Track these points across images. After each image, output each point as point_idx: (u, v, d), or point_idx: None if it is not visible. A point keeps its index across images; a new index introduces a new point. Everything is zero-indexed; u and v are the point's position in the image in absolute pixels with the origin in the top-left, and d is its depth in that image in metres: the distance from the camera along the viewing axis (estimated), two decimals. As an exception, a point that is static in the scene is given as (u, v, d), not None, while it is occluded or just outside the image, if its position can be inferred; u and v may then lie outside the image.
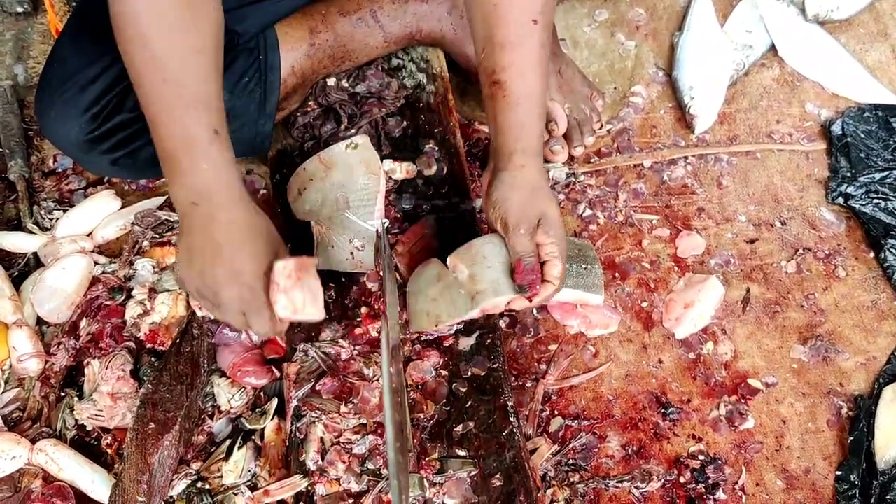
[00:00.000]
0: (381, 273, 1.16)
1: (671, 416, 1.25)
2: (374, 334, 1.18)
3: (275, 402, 1.21)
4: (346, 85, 1.36)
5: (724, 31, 1.58)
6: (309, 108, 1.35)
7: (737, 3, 1.63)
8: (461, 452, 1.11)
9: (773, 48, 1.58)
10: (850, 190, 1.41)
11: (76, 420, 1.22)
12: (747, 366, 1.29)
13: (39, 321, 1.30)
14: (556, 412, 1.26)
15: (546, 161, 1.46)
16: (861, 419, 1.23)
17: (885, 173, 1.42)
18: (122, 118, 1.18)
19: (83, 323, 1.29)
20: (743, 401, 1.26)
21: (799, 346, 1.30)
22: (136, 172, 1.31)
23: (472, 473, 1.09)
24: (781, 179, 1.46)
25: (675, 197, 1.44)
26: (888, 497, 1.17)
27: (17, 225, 1.40)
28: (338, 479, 1.09)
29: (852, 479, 1.19)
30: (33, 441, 1.19)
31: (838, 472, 1.21)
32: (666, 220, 1.42)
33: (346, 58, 1.34)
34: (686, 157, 1.47)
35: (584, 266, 1.23)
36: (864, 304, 1.34)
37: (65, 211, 1.40)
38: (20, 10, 1.62)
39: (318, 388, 1.15)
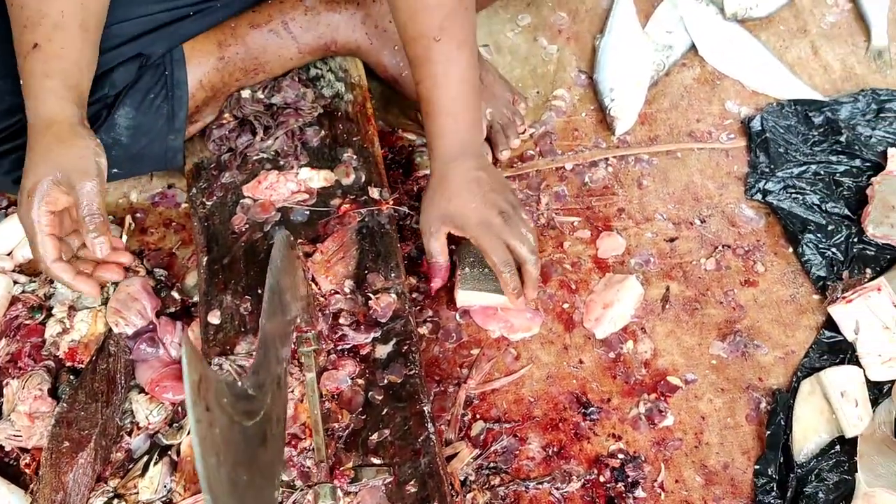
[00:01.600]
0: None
1: (591, 415, 1.26)
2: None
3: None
4: (262, 96, 1.36)
5: (646, 32, 1.60)
6: (224, 121, 1.35)
7: (658, 4, 1.64)
8: (376, 460, 1.11)
9: (693, 48, 1.60)
10: (769, 186, 1.43)
11: (-6, 441, 1.21)
12: (667, 363, 1.30)
13: (-42, 343, 1.29)
14: (477, 416, 1.26)
15: (469, 167, 1.47)
16: (778, 413, 1.25)
17: (804, 168, 1.44)
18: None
19: (2, 343, 1.28)
20: (662, 398, 1.27)
21: (718, 342, 1.32)
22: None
23: (387, 481, 1.09)
24: (701, 178, 1.47)
25: (597, 198, 1.45)
26: (805, 490, 1.19)
27: (-65, 246, 1.39)
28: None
29: (770, 473, 1.20)
30: (-51, 464, 1.19)
31: (756, 467, 1.22)
32: (587, 221, 1.43)
33: (259, 70, 1.34)
34: (607, 159, 1.49)
35: (488, 268, 1.24)
36: (783, 299, 1.35)
37: (-17, 231, 1.39)
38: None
39: (233, 400, 1.15)
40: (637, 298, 1.34)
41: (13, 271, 1.36)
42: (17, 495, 1.16)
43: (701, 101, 1.56)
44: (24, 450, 1.21)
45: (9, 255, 1.37)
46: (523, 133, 1.50)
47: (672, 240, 1.41)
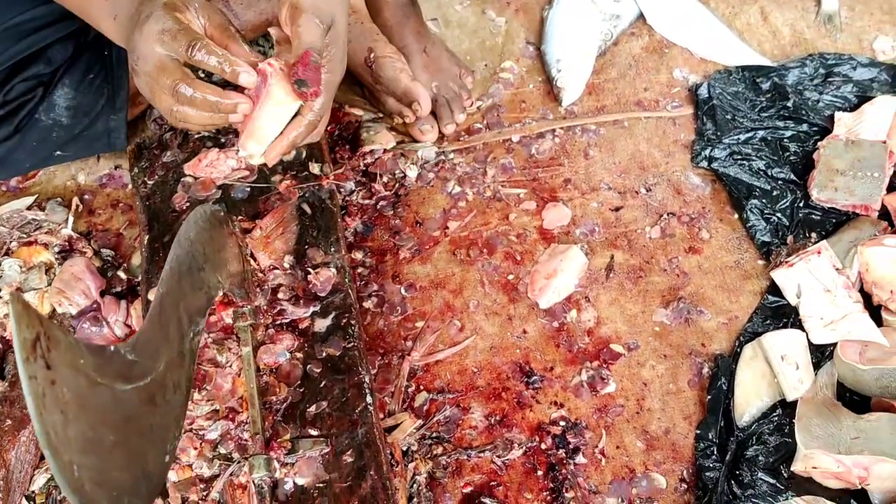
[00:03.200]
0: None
1: (534, 384, 1.27)
2: (228, 321, 1.19)
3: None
4: (203, 74, 1.36)
5: (593, 2, 1.59)
6: (164, 100, 1.35)
7: (606, -26, 1.64)
8: (314, 432, 1.12)
9: (641, 17, 1.60)
10: (715, 153, 1.43)
11: (-60, 422, 1.22)
12: (610, 331, 1.31)
13: None
14: (421, 387, 1.27)
15: (415, 141, 1.48)
16: (720, 377, 1.25)
17: (750, 134, 1.44)
18: None
19: (-51, 326, 1.30)
20: (605, 366, 1.28)
21: (661, 309, 1.32)
22: None
23: (324, 452, 1.10)
24: (648, 146, 1.47)
25: (543, 170, 1.45)
26: (746, 454, 1.19)
27: None
28: (189, 465, 1.10)
29: (711, 437, 1.21)
30: None
31: (697, 431, 1.23)
32: (533, 193, 1.43)
33: (200, 48, 1.34)
34: (554, 130, 1.49)
35: None
36: (727, 265, 1.36)
37: (-69, 216, 1.40)
38: None
39: (172, 376, 1.16)
40: (581, 268, 1.34)
41: (-40, 254, 1.37)
42: (-39, 474, 1.17)
43: (649, 70, 1.55)
44: (-30, 430, 1.22)
45: (-44, 238, 1.38)
46: (470, 107, 1.51)
47: (617, 209, 1.41)
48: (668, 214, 1.40)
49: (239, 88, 0.97)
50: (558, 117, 1.51)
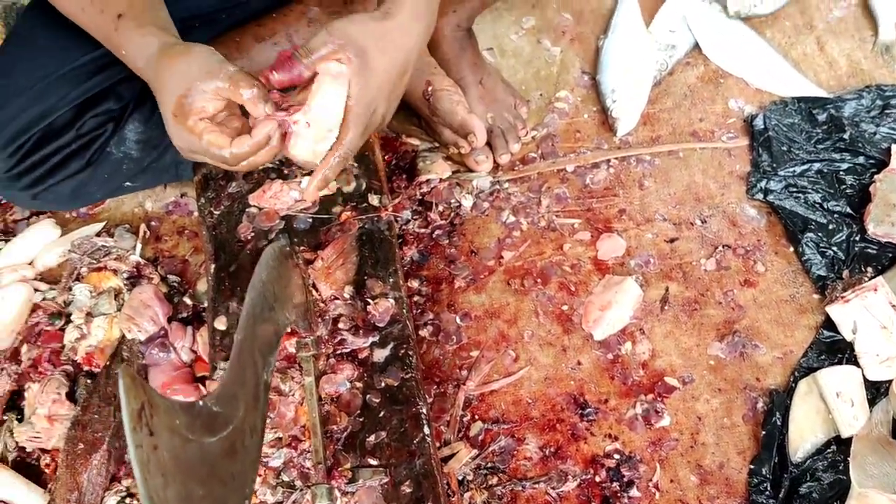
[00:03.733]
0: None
1: (588, 416, 1.28)
2: (291, 350, 1.22)
3: (199, 401, 1.26)
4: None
5: (649, 31, 1.60)
6: (230, 134, 1.39)
7: (662, 3, 1.64)
8: (373, 461, 1.15)
9: (697, 46, 1.60)
10: (771, 185, 1.43)
11: (16, 442, 1.28)
12: (664, 364, 1.32)
13: (-17, 349, 1.37)
14: (476, 417, 1.30)
15: (470, 171, 1.50)
16: (775, 413, 1.26)
17: (806, 166, 1.44)
18: (40, 156, 1.23)
19: (24, 349, 1.35)
20: (659, 399, 1.29)
21: (716, 342, 1.33)
22: (59, 206, 1.38)
23: (383, 482, 1.13)
24: (703, 178, 1.48)
25: (597, 200, 1.47)
26: (799, 490, 1.20)
27: (-37, 257, 1.47)
28: (254, 492, 1.14)
29: (764, 473, 1.22)
30: (-25, 464, 1.26)
31: (751, 466, 1.23)
32: (587, 223, 1.45)
33: (264, 83, 1.38)
34: (609, 160, 1.50)
35: None
36: (783, 299, 1.36)
37: (7, 241, 1.46)
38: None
39: (237, 404, 1.20)
40: (636, 300, 1.35)
41: (34, 279, 1.42)
42: (36, 494, 1.22)
43: (704, 100, 1.56)
44: (44, 450, 1.27)
45: (30, 263, 1.44)
46: (525, 137, 1.53)
47: (672, 240, 1.42)
48: (723, 247, 1.41)
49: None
50: (613, 147, 1.52)
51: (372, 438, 1.17)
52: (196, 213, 1.49)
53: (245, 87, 0.95)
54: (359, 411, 1.19)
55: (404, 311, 1.26)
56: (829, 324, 1.32)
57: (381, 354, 1.24)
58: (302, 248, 1.30)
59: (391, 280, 1.28)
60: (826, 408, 1.24)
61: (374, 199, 1.35)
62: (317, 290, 1.27)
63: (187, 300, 1.39)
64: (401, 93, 1.07)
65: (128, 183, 1.35)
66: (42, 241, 1.45)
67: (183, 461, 0.57)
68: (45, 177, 1.25)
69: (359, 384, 1.21)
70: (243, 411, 0.72)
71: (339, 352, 1.24)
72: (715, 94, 1.57)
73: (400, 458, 1.15)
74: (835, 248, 1.37)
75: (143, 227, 1.47)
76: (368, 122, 1.02)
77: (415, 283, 1.40)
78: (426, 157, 1.51)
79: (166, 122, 0.99)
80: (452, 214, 1.47)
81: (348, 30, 0.98)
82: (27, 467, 1.28)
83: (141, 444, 0.51)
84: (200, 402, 0.65)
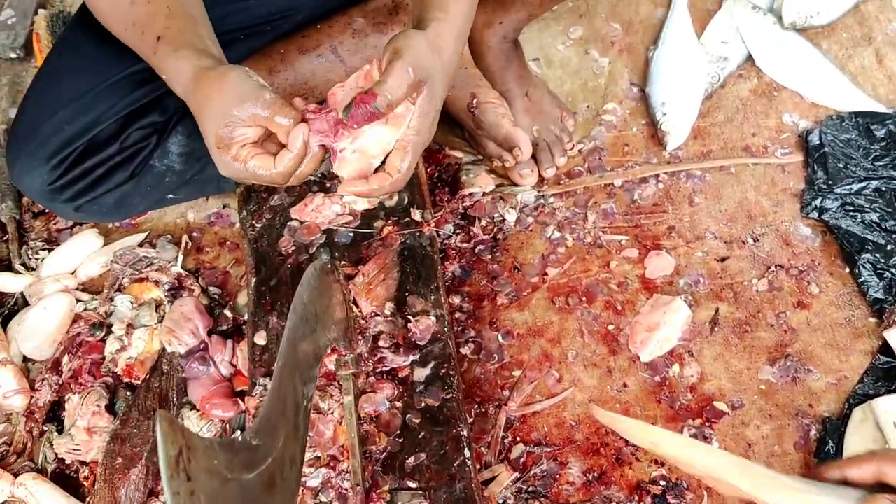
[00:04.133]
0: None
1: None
2: (330, 367, 1.21)
3: (239, 434, 1.25)
4: (310, 119, 1.39)
5: (701, 43, 1.56)
6: (273, 145, 1.38)
7: (714, 13, 1.60)
8: (412, 484, 1.13)
9: (750, 58, 1.56)
10: (826, 203, 1.38)
11: (56, 454, 1.28)
12: (713, 388, 1.27)
13: (25, 358, 1.37)
14: (518, 439, 1.27)
15: (514, 184, 1.47)
16: (828, 441, 1.21)
17: (863, 184, 1.39)
18: (84, 168, 1.23)
19: (65, 359, 1.35)
20: (708, 424, 1.25)
21: (768, 366, 1.28)
22: (102, 217, 1.37)
23: (422, 505, 1.11)
24: (756, 194, 1.43)
25: (646, 216, 1.43)
26: (854, 521, 1.15)
27: (7, 265, 1.47)
28: (291, 512, 1.12)
29: None
30: (16, 475, 1.25)
31: (804, 497, 1.19)
32: (635, 240, 1.41)
33: (308, 94, 1.37)
34: (658, 175, 1.46)
35: None
36: (838, 322, 1.31)
37: (51, 250, 1.46)
38: (13, 55, 1.69)
39: (275, 421, 1.18)
40: (684, 321, 1.31)
41: (76, 289, 1.42)
42: (75, 507, 1.22)
43: (757, 113, 1.51)
44: (83, 463, 1.27)
45: (72, 273, 1.44)
46: (571, 150, 1.49)
47: (723, 259, 1.38)
48: (775, 267, 1.36)
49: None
50: (662, 162, 1.48)
51: (411, 460, 1.14)
52: (238, 225, 1.48)
53: (281, 115, 0.93)
54: (398, 432, 1.17)
55: (446, 329, 1.24)
56: (886, 349, 1.26)
57: (421, 374, 1.21)
58: (343, 262, 1.29)
59: (433, 297, 1.26)
60: (883, 437, 1.19)
61: (416, 214, 1.33)
62: (357, 307, 1.25)
63: (228, 313, 1.38)
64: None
65: (170, 195, 1.35)
66: (85, 251, 1.45)
67: (222, 500, 0.56)
68: (87, 189, 1.25)
69: (398, 404, 1.19)
70: (283, 442, 0.70)
71: (378, 370, 1.22)
72: (769, 107, 1.52)
73: (440, 482, 1.12)
74: (893, 270, 1.31)
75: (184, 238, 1.46)
76: (422, 147, 1.00)
77: (456, 300, 1.38)
78: (469, 170, 1.49)
79: (211, 152, 0.97)
80: (495, 229, 1.44)
81: (420, 61, 0.93)
82: (66, 479, 1.27)
83: (178, 490, 0.50)
84: (239, 438, 0.63)
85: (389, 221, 1.33)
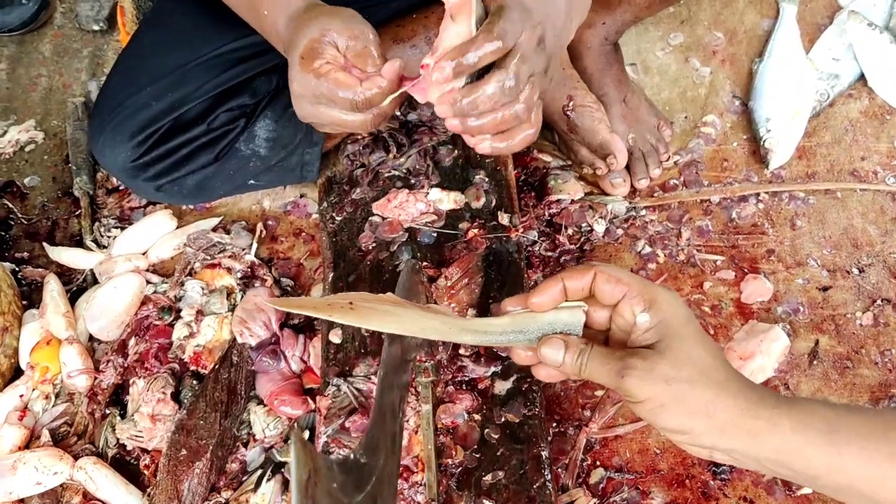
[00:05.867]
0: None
1: (722, 475, 1.17)
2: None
3: (306, 435, 1.20)
4: (398, 113, 1.33)
5: (809, 58, 1.47)
6: (359, 137, 1.33)
7: (825, 28, 1.51)
8: (488, 503, 1.07)
9: (862, 78, 1.46)
10: (941, 236, 1.30)
11: (117, 439, 1.24)
12: (810, 425, 1.19)
13: (91, 338, 1.33)
14: (597, 463, 1.20)
15: (605, 193, 1.40)
16: (934, 493, 1.12)
17: (982, 219, 1.30)
18: (168, 147, 1.19)
19: (132, 342, 1.31)
20: (802, 463, 1.17)
21: (870, 406, 1.20)
22: (181, 199, 1.33)
23: (498, 526, 1.05)
24: (863, 222, 1.34)
25: (744, 237, 1.35)
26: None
27: (79, 241, 1.44)
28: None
29: (920, 559, 1.09)
30: (76, 457, 1.21)
31: (904, 550, 1.10)
32: (731, 261, 1.33)
33: (399, 85, 1.31)
34: (758, 194, 1.38)
35: None
36: (948, 364, 1.22)
37: (123, 229, 1.42)
38: (96, 27, 1.66)
39: (347, 424, 1.13)
40: (782, 351, 1.23)
41: (147, 271, 1.39)
42: (134, 497, 1.18)
43: (867, 136, 1.42)
44: (144, 450, 1.23)
45: (143, 254, 1.40)
46: (666, 161, 1.42)
47: (825, 289, 1.30)
48: (882, 300, 1.27)
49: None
50: (763, 181, 1.40)
51: (489, 478, 1.08)
52: (314, 216, 1.43)
53: (379, 54, 0.87)
54: (475, 446, 1.11)
55: (531, 341, 1.17)
56: None
57: (502, 387, 1.15)
58: (424, 263, 1.23)
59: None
60: None
61: (503, 218, 1.27)
62: (439, 311, 1.19)
63: (300, 306, 1.33)
64: (562, 45, 0.92)
65: (252, 181, 1.30)
66: (157, 232, 1.41)
67: (337, 528, 0.50)
68: (171, 169, 1.21)
69: (477, 417, 1.13)
70: (383, 460, 0.65)
71: (458, 379, 1.16)
72: (879, 131, 1.43)
73: (518, 503, 1.06)
74: None
75: (259, 225, 1.41)
76: (528, 32, 0.81)
77: (538, 310, 1.31)
78: (558, 176, 1.42)
79: (291, 68, 0.88)
80: (582, 239, 1.37)
81: None
82: (126, 466, 1.23)
83: (305, 518, 0.44)
84: (351, 456, 0.58)
85: (475, 224, 1.27)
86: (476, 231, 1.26)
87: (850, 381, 1.22)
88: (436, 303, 1.19)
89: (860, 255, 1.32)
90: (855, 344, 1.25)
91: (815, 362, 1.24)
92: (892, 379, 1.22)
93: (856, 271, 1.31)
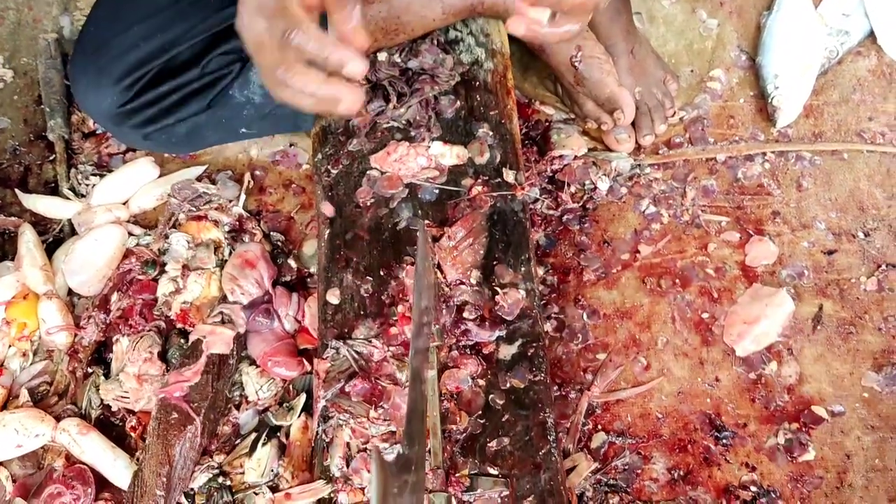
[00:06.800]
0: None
1: (724, 440, 1.16)
2: (410, 337, 1.11)
3: (303, 398, 1.16)
4: (398, 60, 1.26)
5: (819, 12, 1.43)
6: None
7: (836, -19, 1.47)
8: (493, 470, 1.04)
9: (871, 35, 1.43)
10: (947, 201, 1.28)
11: (101, 399, 1.18)
12: (813, 391, 1.18)
13: (70, 292, 1.27)
14: (599, 427, 1.18)
15: (609, 149, 1.36)
16: (935, 461, 1.13)
17: None
18: (158, 92, 1.12)
19: (114, 297, 1.25)
20: (804, 429, 1.16)
21: (872, 373, 1.19)
22: (169, 148, 1.26)
23: (504, 494, 1.02)
24: (869, 185, 1.32)
25: (749, 197, 1.32)
26: (958, 549, 1.08)
27: (54, 188, 1.36)
28: (362, 489, 1.04)
29: (919, 526, 1.10)
30: (58, 418, 1.16)
31: (904, 517, 1.11)
32: (736, 222, 1.30)
33: (399, 30, 1.24)
34: (764, 154, 1.35)
35: None
36: (951, 331, 1.22)
37: (102, 176, 1.35)
38: (68, -43, 1.55)
39: (347, 389, 1.08)
40: (786, 316, 1.22)
41: (128, 222, 1.31)
42: (122, 460, 1.13)
43: (875, 96, 1.39)
44: (130, 412, 1.18)
45: (124, 204, 1.33)
46: (672, 117, 1.37)
47: (830, 252, 1.28)
48: (886, 265, 1.26)
49: None
50: (770, 139, 1.36)
51: (493, 444, 1.05)
52: (305, 166, 1.37)
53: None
54: (480, 412, 1.08)
55: (535, 304, 1.14)
56: None
57: (507, 351, 1.11)
58: (426, 221, 1.18)
59: (523, 269, 1.16)
60: None
61: (508, 175, 1.21)
62: (442, 272, 1.15)
63: (292, 263, 1.28)
64: None
65: (244, 129, 1.23)
66: (139, 181, 1.34)
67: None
68: (160, 116, 1.14)
69: (482, 382, 1.09)
70: (419, 446, 0.61)
71: (462, 344, 1.12)
72: (887, 91, 1.40)
73: (523, 470, 1.04)
74: None
75: (247, 176, 1.35)
76: None
77: (539, 271, 1.27)
78: (560, 130, 1.37)
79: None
80: (586, 197, 1.33)
81: None
82: (110, 427, 1.18)
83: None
84: (399, 450, 0.54)
85: (479, 181, 1.21)
86: (480, 188, 1.21)
87: (854, 347, 1.21)
88: (439, 264, 1.14)
89: (866, 218, 1.30)
90: (859, 309, 1.24)
91: (818, 327, 1.23)
92: (895, 345, 1.21)
93: (861, 235, 1.29)
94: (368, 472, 1.04)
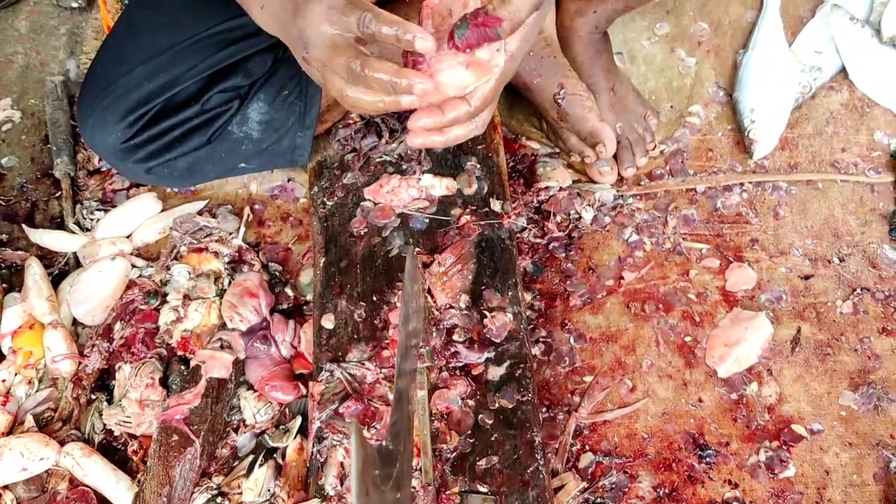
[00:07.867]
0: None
1: (707, 458, 1.19)
2: (402, 359, 1.15)
3: (299, 420, 1.19)
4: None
5: (792, 50, 1.50)
6: (351, 121, 1.33)
7: (807, 21, 1.54)
8: (483, 488, 1.07)
9: (843, 71, 1.49)
10: (917, 228, 1.33)
11: (104, 424, 1.22)
12: (792, 410, 1.22)
13: (75, 322, 1.31)
14: (587, 447, 1.22)
15: (592, 181, 1.41)
16: (911, 476, 1.16)
17: (958, 211, 1.34)
18: (160, 128, 1.17)
19: (117, 326, 1.29)
20: (785, 447, 1.20)
21: (849, 392, 1.23)
22: (171, 182, 1.32)
23: (493, 511, 1.06)
24: (843, 212, 1.38)
25: (728, 226, 1.37)
26: (935, 562, 1.11)
27: (60, 223, 1.41)
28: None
29: (897, 540, 1.13)
30: (62, 443, 1.20)
31: (883, 531, 1.14)
32: (716, 249, 1.35)
33: (406, 13, 1.30)
34: (742, 184, 1.40)
35: None
36: (924, 352, 1.26)
37: (106, 211, 1.40)
38: (75, 5, 1.63)
39: (341, 410, 1.13)
40: (766, 338, 1.26)
41: (131, 254, 1.37)
42: (124, 482, 1.17)
43: (847, 129, 1.45)
44: (132, 436, 1.22)
45: (128, 237, 1.38)
46: (653, 150, 1.43)
47: (807, 277, 1.33)
48: (861, 289, 1.31)
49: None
50: (748, 170, 1.42)
51: (483, 462, 1.09)
52: (302, 200, 1.43)
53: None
54: (469, 431, 1.12)
55: (522, 327, 1.18)
56: (975, 384, 1.22)
57: (495, 372, 1.16)
58: (417, 249, 1.23)
59: (510, 293, 1.21)
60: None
61: (496, 205, 1.27)
62: (432, 297, 1.20)
63: (288, 291, 1.33)
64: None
65: (243, 164, 1.29)
66: (142, 215, 1.39)
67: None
68: (162, 151, 1.19)
69: (471, 402, 1.14)
70: (404, 446, 0.65)
71: (451, 365, 1.16)
72: (860, 123, 1.46)
73: (511, 487, 1.07)
74: None
75: (246, 209, 1.40)
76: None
77: (527, 297, 1.32)
78: (546, 163, 1.43)
79: (301, 13, 0.85)
80: (571, 226, 1.38)
81: None
82: (113, 451, 1.22)
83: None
84: (383, 443, 0.58)
85: (467, 210, 1.27)
86: (468, 217, 1.26)
87: (831, 368, 1.25)
88: (429, 289, 1.19)
89: (840, 244, 1.35)
90: (835, 331, 1.28)
91: (797, 349, 1.27)
92: (870, 366, 1.25)
93: (836, 260, 1.34)
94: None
